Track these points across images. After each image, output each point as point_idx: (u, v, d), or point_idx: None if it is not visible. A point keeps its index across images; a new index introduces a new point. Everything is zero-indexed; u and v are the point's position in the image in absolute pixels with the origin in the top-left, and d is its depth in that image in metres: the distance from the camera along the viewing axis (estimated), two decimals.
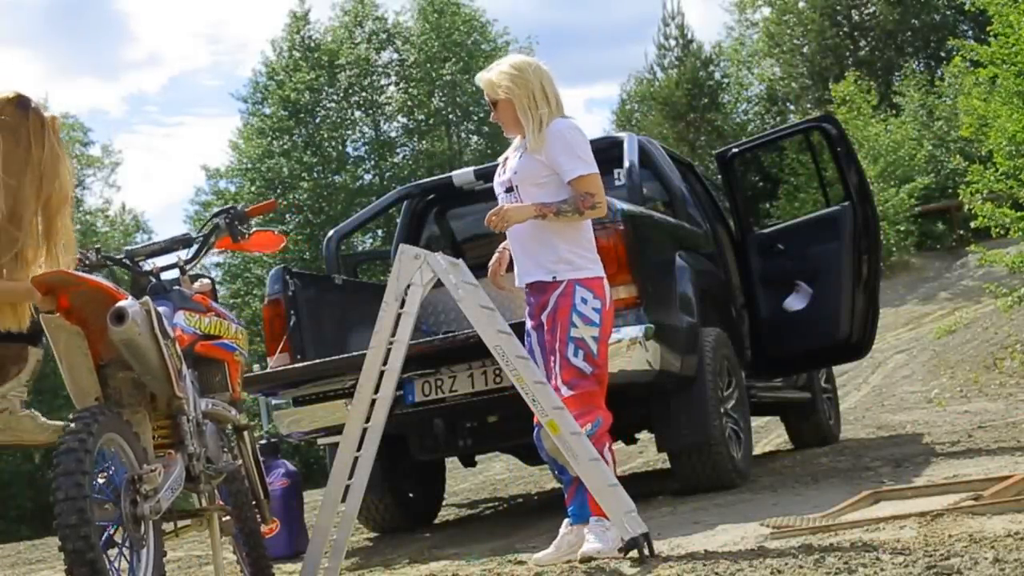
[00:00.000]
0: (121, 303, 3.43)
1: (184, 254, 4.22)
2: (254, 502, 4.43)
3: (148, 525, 3.39)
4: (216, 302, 4.27)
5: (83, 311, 3.52)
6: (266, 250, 4.46)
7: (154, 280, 4.09)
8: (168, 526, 3.69)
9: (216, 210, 4.37)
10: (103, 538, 3.25)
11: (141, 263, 4.15)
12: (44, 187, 3.73)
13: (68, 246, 3.77)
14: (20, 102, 3.77)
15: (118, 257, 4.15)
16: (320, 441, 6.25)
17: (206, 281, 4.28)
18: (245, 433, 4.39)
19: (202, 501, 3.98)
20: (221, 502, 4.06)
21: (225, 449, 4.16)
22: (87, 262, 4.01)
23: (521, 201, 4.28)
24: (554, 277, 4.22)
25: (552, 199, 4.21)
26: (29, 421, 3.87)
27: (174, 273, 4.16)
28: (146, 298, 3.57)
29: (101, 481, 3.34)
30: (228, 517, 4.17)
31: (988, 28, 14.82)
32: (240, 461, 4.22)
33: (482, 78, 4.39)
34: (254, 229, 4.32)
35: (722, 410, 5.94)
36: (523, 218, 4.23)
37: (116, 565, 3.30)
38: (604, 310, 4.24)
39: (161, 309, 3.82)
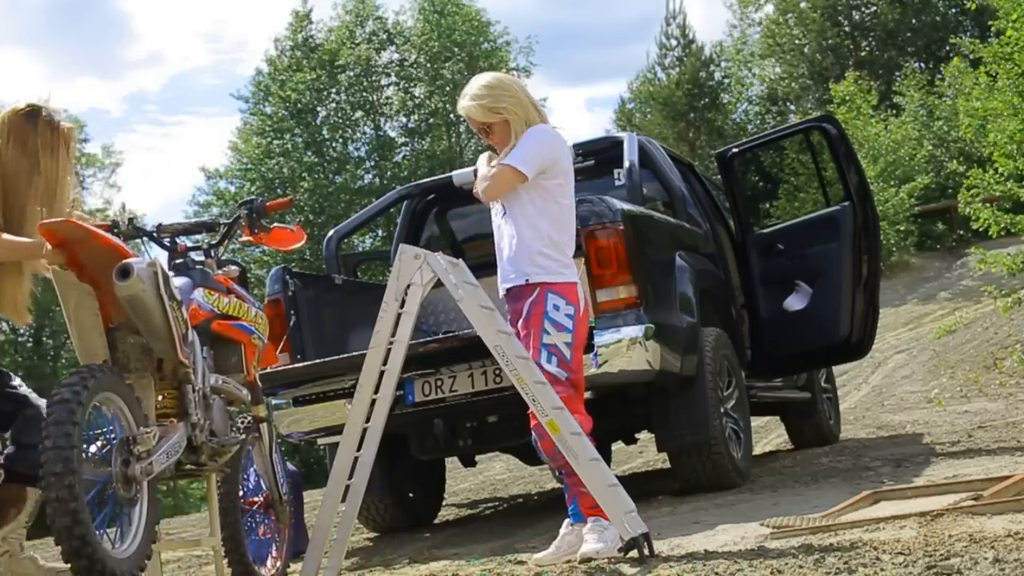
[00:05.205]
0: (128, 260, 3.44)
1: (210, 239, 4.31)
2: (267, 503, 4.44)
3: (141, 486, 3.39)
4: (244, 288, 4.30)
5: (95, 271, 3.52)
6: (284, 245, 4.49)
7: (180, 257, 4.14)
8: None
9: (241, 201, 4.45)
10: (91, 493, 3.23)
11: (166, 239, 4.20)
12: (52, 196, 3.76)
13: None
14: (29, 114, 3.81)
15: (148, 230, 4.19)
16: (320, 441, 6.25)
17: (234, 268, 4.32)
18: (263, 427, 4.39)
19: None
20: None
21: (234, 428, 4.18)
22: (118, 231, 4.02)
23: (505, 210, 4.33)
24: (527, 280, 4.23)
25: (525, 203, 4.24)
26: (30, 564, 3.88)
27: (199, 256, 4.23)
28: (155, 258, 3.58)
29: (99, 443, 3.33)
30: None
31: (990, 23, 14.81)
32: (244, 436, 4.23)
33: (468, 106, 4.26)
34: (274, 224, 4.36)
35: (722, 410, 5.94)
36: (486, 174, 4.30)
37: (104, 523, 3.29)
38: (577, 315, 4.24)
39: (180, 281, 3.84)
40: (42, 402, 3.72)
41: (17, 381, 3.79)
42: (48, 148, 3.79)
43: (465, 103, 4.29)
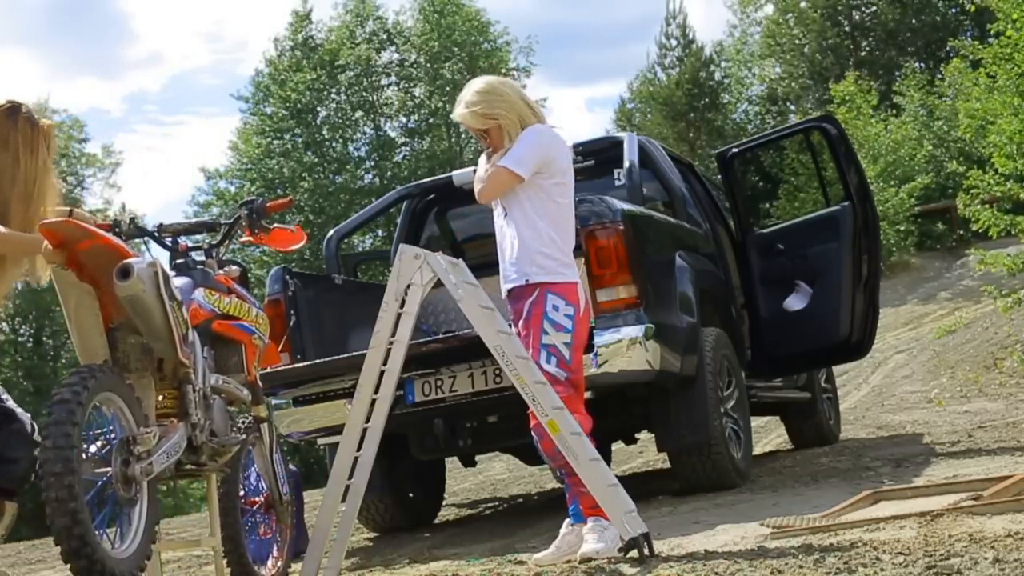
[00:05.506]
0: (128, 260, 3.44)
1: (211, 239, 4.33)
2: (268, 503, 4.44)
3: (141, 486, 3.39)
4: (246, 288, 4.31)
5: (95, 271, 3.52)
6: (284, 246, 4.50)
7: (181, 257, 4.16)
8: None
9: (241, 201, 4.46)
10: (91, 493, 3.23)
11: (167, 239, 4.21)
12: (30, 194, 3.74)
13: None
14: (9, 110, 3.78)
15: (149, 230, 4.20)
16: (320, 441, 6.25)
17: (235, 268, 4.33)
18: (263, 427, 4.39)
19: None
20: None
21: (234, 428, 4.18)
22: (119, 231, 4.02)
23: (505, 209, 4.34)
24: (527, 280, 4.24)
25: (524, 204, 4.26)
26: None
27: (200, 256, 4.25)
28: (155, 258, 3.59)
29: (99, 443, 3.34)
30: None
31: (988, 27, 14.81)
32: (244, 436, 4.23)
33: (463, 113, 4.29)
34: (274, 225, 4.37)
35: (722, 410, 5.94)
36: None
37: (104, 523, 3.29)
38: (577, 316, 4.25)
39: (181, 282, 3.85)
40: (27, 417, 3.73)
41: (5, 395, 3.79)
42: (28, 145, 3.77)
43: (459, 111, 4.32)
